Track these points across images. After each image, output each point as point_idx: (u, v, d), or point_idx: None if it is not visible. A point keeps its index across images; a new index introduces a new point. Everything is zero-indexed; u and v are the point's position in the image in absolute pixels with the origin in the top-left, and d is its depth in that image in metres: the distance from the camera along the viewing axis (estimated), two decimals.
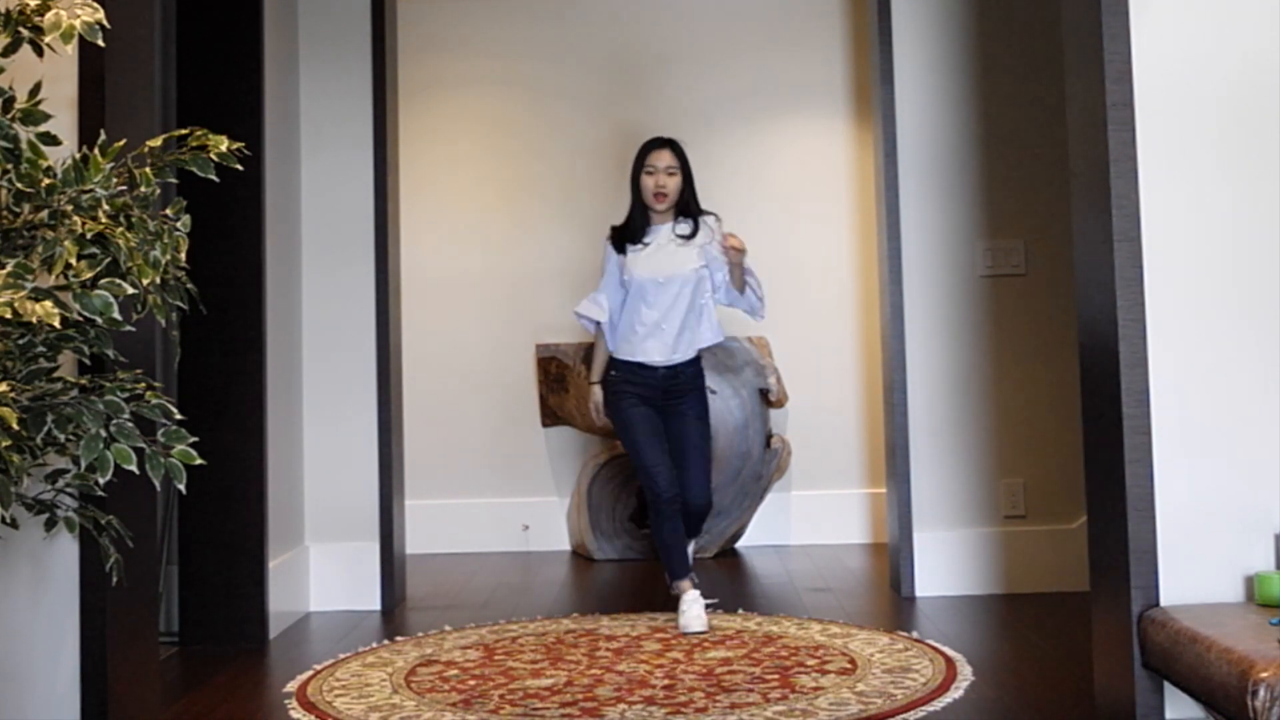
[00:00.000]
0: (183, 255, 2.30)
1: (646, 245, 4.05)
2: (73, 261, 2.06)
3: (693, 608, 3.86)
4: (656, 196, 4.01)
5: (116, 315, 2.11)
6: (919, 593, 4.38)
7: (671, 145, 4.06)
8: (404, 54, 5.48)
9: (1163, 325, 2.57)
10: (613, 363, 4.07)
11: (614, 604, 4.42)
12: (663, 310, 3.99)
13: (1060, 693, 3.08)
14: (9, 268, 1.99)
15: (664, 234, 4.05)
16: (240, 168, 2.38)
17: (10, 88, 2.24)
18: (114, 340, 2.28)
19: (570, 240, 5.97)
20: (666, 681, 3.27)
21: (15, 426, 1.94)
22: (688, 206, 4.06)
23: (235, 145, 2.32)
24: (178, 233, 2.28)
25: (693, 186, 4.07)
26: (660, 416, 4.01)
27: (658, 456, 3.95)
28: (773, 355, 5.63)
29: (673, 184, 4.02)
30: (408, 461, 5.21)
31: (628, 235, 4.07)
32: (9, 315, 1.91)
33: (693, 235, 4.04)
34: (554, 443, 5.95)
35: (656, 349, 3.99)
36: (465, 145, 6.11)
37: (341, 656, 3.65)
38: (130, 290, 2.13)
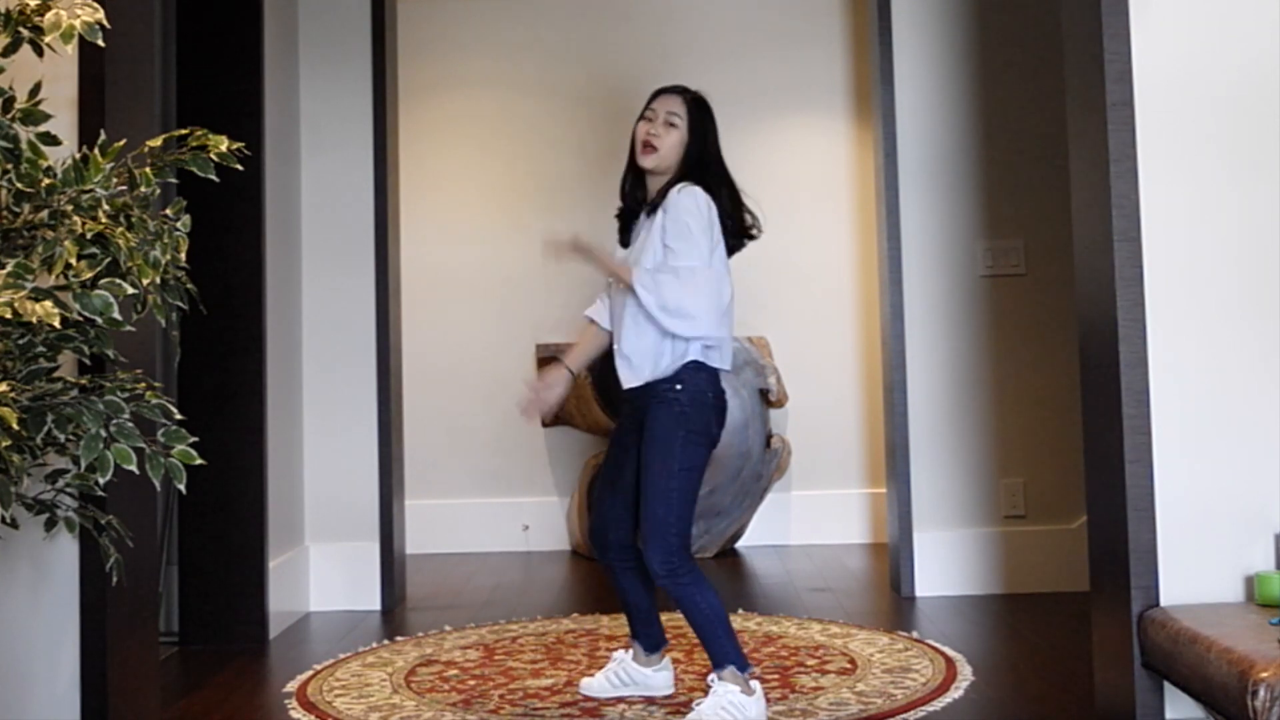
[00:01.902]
0: (183, 255, 2.30)
1: (638, 224, 3.06)
2: (73, 261, 2.06)
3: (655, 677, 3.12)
4: (644, 148, 2.98)
5: (116, 315, 2.10)
6: (919, 593, 4.38)
7: (684, 94, 3.04)
8: (404, 55, 5.47)
9: (1163, 325, 2.57)
10: None
11: (614, 604, 4.41)
12: (619, 315, 2.99)
13: (1060, 693, 3.08)
14: (9, 268, 1.99)
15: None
16: (240, 168, 2.38)
17: (10, 88, 2.24)
18: (114, 340, 2.28)
19: None
20: None
21: (15, 426, 1.94)
22: (694, 177, 2.99)
23: (235, 145, 2.32)
24: (178, 233, 2.28)
25: (709, 154, 3.03)
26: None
27: (602, 503, 3.07)
28: (773, 355, 5.63)
29: (670, 138, 2.97)
30: (408, 461, 5.21)
31: (627, 213, 3.10)
32: (9, 315, 1.91)
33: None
34: (554, 443, 5.95)
35: (621, 368, 2.97)
36: (466, 146, 6.11)
37: (341, 656, 3.65)
38: (130, 290, 2.12)
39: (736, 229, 3.03)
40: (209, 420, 3.78)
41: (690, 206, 2.90)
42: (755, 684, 2.89)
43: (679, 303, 2.85)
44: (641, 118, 3.04)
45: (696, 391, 2.89)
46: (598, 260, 2.99)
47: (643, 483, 2.88)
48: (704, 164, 3.01)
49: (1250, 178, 2.59)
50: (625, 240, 3.09)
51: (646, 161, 3.00)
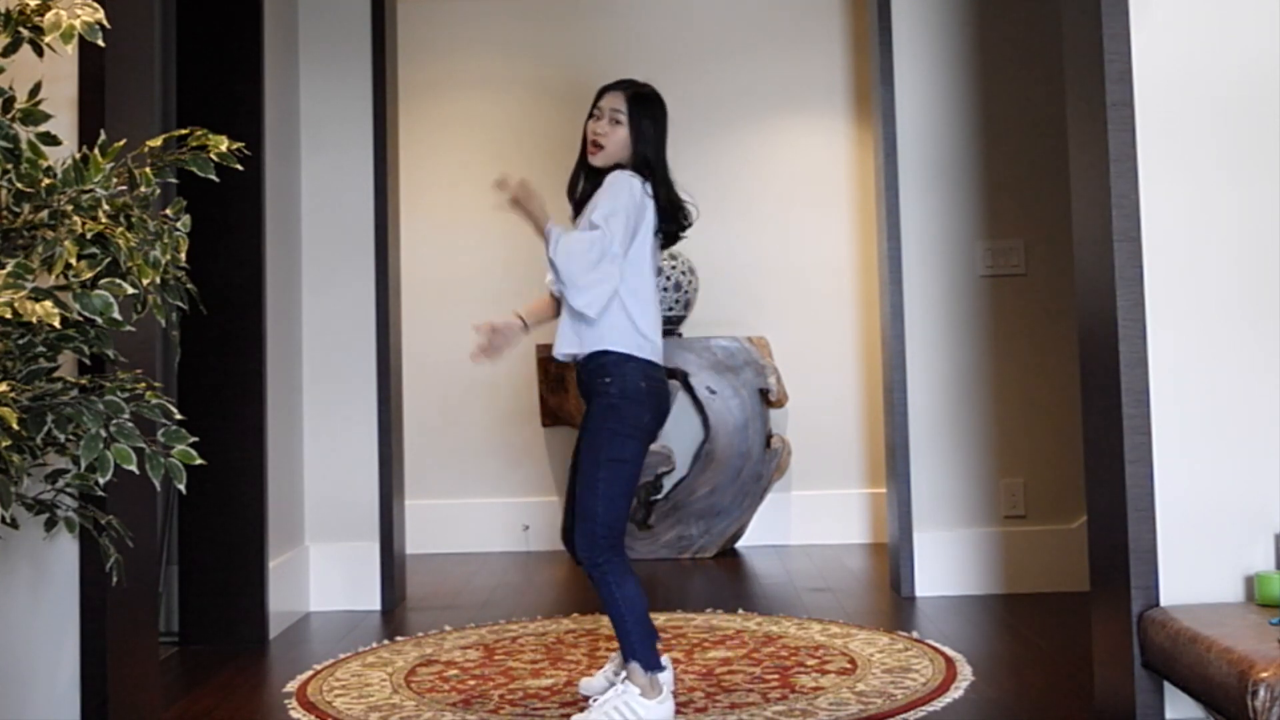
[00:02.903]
0: (183, 255, 2.30)
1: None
2: (73, 261, 2.06)
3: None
4: (591, 146, 3.03)
5: (116, 315, 2.10)
6: (919, 593, 4.38)
7: (627, 88, 3.07)
8: (404, 55, 5.47)
9: (1163, 325, 2.57)
10: None
11: None
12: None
13: (1060, 693, 3.08)
14: (9, 268, 1.99)
15: None
16: (240, 168, 2.38)
17: (10, 88, 2.24)
18: (114, 340, 2.28)
19: None
20: None
21: (15, 426, 1.94)
22: (638, 169, 3.02)
23: (235, 145, 2.32)
24: (178, 233, 2.28)
25: (650, 147, 3.03)
26: None
27: (569, 500, 3.08)
28: (773, 355, 5.63)
29: (615, 135, 3.01)
30: (408, 461, 5.21)
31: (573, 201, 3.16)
32: (9, 315, 1.91)
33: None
34: (554, 443, 5.95)
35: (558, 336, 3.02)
36: (466, 146, 6.11)
37: (341, 656, 3.65)
38: (130, 290, 2.12)
39: (676, 216, 3.04)
40: (209, 420, 3.78)
41: (624, 187, 2.92)
42: (665, 685, 2.92)
43: (571, 274, 2.86)
44: (590, 115, 3.06)
45: (626, 384, 2.89)
46: (531, 217, 2.91)
47: (580, 473, 2.95)
48: (645, 157, 3.01)
49: (1250, 178, 2.59)
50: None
51: (595, 160, 3.03)
